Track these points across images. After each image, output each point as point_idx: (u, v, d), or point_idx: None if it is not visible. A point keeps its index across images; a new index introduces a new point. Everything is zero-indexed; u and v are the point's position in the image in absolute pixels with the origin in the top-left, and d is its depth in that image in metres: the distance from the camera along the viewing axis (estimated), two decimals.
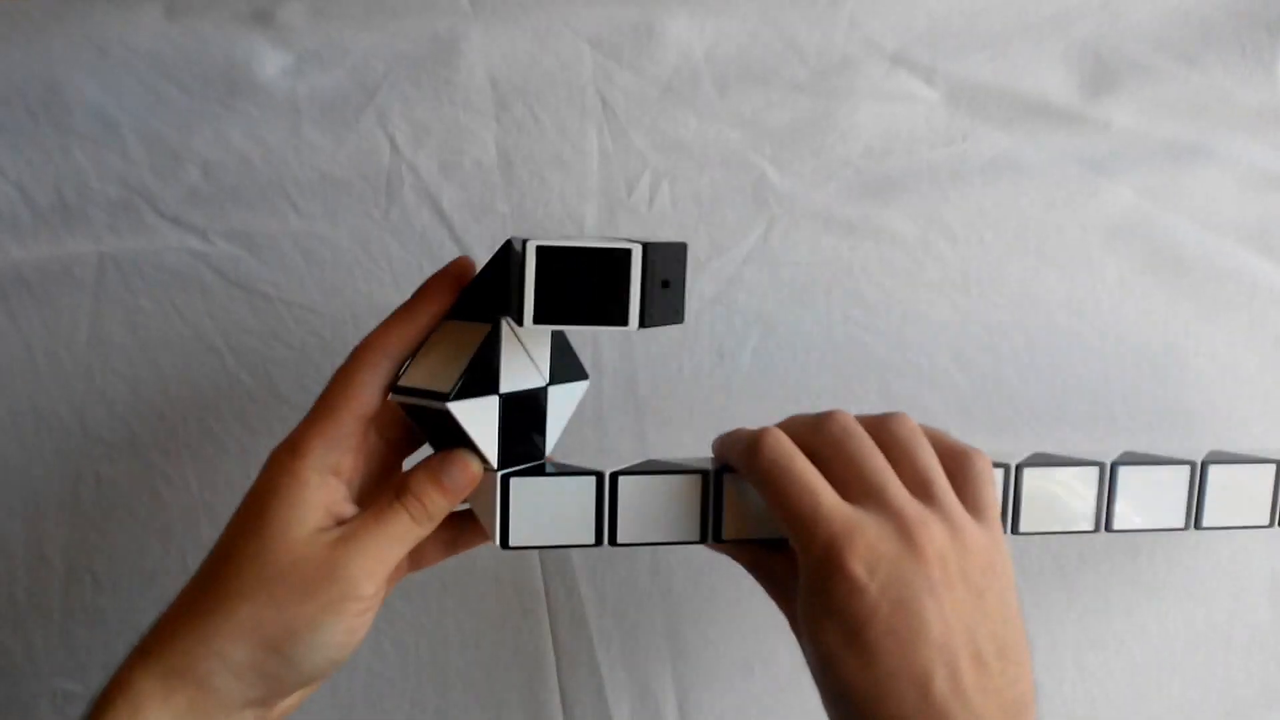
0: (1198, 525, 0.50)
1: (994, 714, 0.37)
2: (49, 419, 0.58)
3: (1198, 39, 0.61)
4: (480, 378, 0.41)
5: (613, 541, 0.45)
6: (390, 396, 0.41)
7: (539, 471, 0.45)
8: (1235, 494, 0.50)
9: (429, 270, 0.60)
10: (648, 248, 0.38)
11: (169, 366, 0.59)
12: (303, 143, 0.60)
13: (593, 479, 0.45)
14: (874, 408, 0.60)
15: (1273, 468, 0.50)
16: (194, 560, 0.57)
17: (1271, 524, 0.50)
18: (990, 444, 0.61)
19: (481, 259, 0.60)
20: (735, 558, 0.47)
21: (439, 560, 0.47)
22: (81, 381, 0.59)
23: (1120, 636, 0.60)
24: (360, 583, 0.38)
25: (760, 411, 0.60)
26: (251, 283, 0.59)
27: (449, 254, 0.60)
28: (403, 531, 0.40)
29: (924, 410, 0.61)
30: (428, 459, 0.42)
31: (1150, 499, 0.49)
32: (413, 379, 0.41)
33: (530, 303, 0.38)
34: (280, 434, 0.58)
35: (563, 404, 0.47)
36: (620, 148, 0.60)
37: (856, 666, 0.37)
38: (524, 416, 0.44)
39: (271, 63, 0.59)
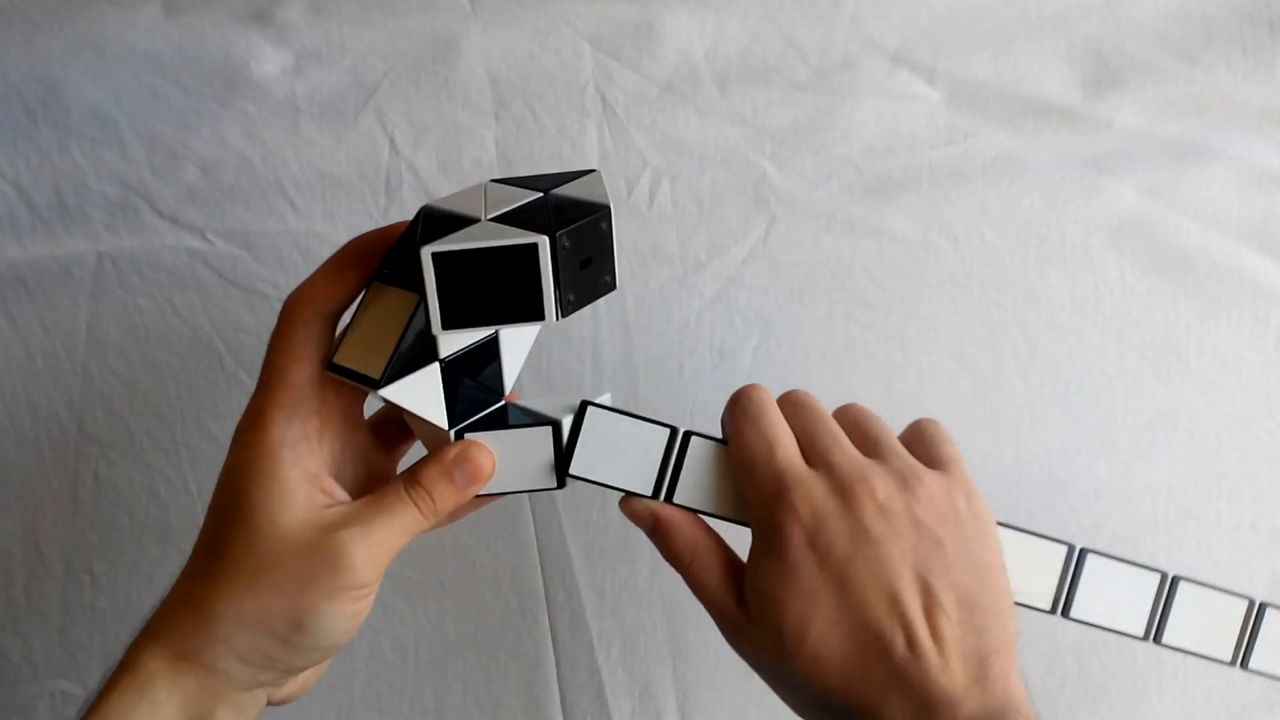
0: (1157, 640, 0.46)
1: (954, 662, 0.37)
2: (47, 419, 0.58)
3: (1199, 38, 0.61)
4: (414, 352, 0.40)
5: (562, 481, 0.44)
6: (325, 369, 0.40)
7: (499, 419, 0.43)
8: (1202, 619, 0.46)
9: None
10: (555, 238, 0.35)
11: (167, 366, 0.59)
12: (302, 141, 0.59)
13: (548, 428, 0.43)
14: (874, 408, 0.60)
15: (1244, 604, 0.47)
16: None
17: (1234, 664, 0.47)
18: (991, 444, 0.61)
19: None
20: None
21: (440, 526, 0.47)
22: (79, 381, 0.58)
23: (1121, 638, 0.60)
24: (363, 571, 0.38)
25: None
26: (250, 282, 0.59)
27: None
28: (410, 524, 0.40)
29: (924, 410, 0.60)
30: (441, 452, 0.41)
31: (1113, 597, 0.46)
32: (345, 357, 0.39)
33: (436, 311, 0.36)
34: None
35: (517, 342, 0.45)
36: (620, 147, 0.60)
37: (799, 619, 0.37)
38: (474, 369, 0.43)
39: (270, 61, 0.59)
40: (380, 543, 0.39)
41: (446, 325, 0.37)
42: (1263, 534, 0.61)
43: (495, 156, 0.60)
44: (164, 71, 0.59)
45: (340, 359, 0.40)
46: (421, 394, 0.40)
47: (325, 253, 0.59)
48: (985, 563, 0.40)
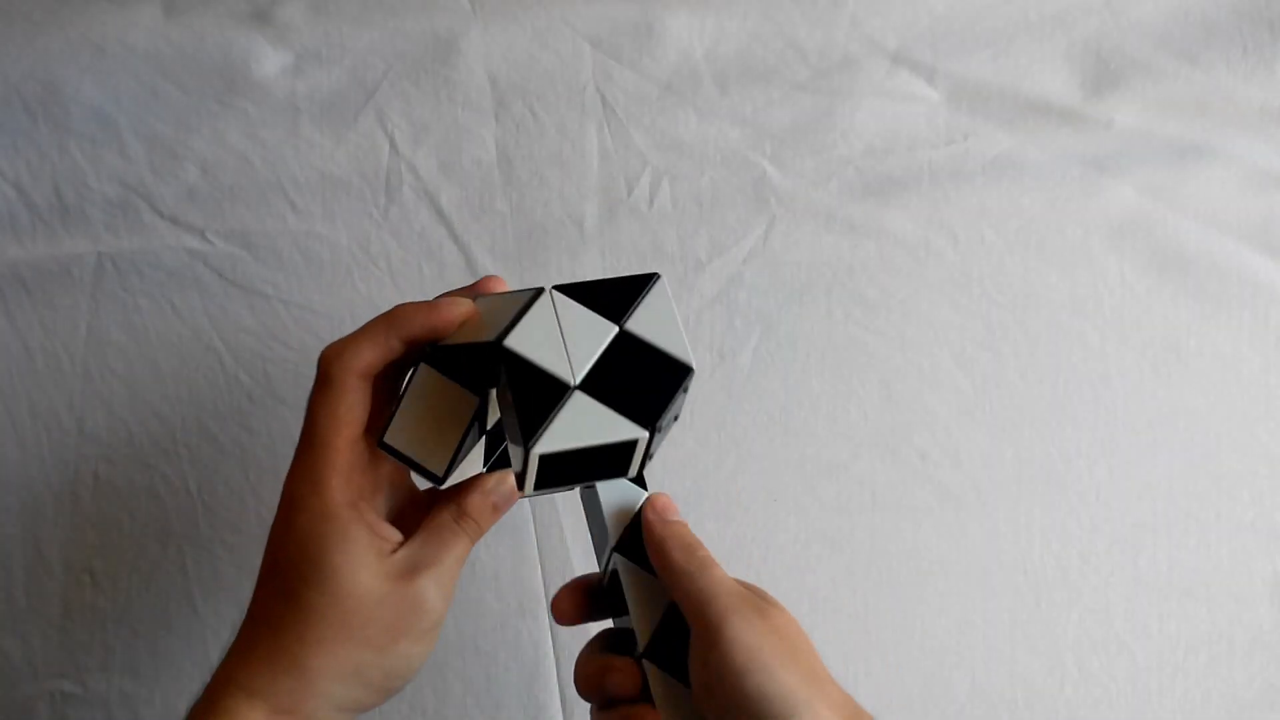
0: None
1: None
2: (47, 419, 0.58)
3: (1199, 37, 0.61)
4: (469, 442, 0.42)
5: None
6: (378, 446, 0.41)
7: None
8: None
9: (428, 270, 0.60)
10: (653, 431, 0.37)
11: (167, 366, 0.59)
12: (301, 142, 0.59)
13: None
14: (874, 408, 0.60)
15: None
16: (192, 560, 0.58)
17: None
18: (991, 444, 0.61)
19: (481, 257, 0.60)
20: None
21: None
22: (79, 381, 0.58)
23: (1121, 638, 0.60)
24: (440, 609, 0.41)
25: (760, 411, 0.60)
26: (250, 282, 0.59)
27: (448, 253, 0.60)
28: (464, 552, 0.42)
29: (925, 410, 0.60)
30: (480, 482, 0.43)
31: None
32: (399, 440, 0.41)
33: (531, 481, 0.38)
34: (279, 434, 0.58)
35: None
36: (620, 146, 0.60)
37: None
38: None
39: (270, 61, 0.59)
40: (448, 579, 0.41)
41: (537, 489, 0.39)
42: (1263, 534, 0.61)
43: (495, 157, 0.60)
44: (164, 71, 0.58)
45: (394, 441, 0.41)
46: (467, 463, 0.43)
47: (325, 252, 0.60)
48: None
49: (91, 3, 0.58)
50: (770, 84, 0.60)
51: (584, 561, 0.59)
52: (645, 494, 0.42)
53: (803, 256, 0.61)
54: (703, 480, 0.59)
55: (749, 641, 0.37)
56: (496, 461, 0.44)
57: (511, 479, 0.43)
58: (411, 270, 0.59)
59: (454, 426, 0.40)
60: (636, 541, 0.42)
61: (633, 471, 0.40)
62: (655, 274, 0.40)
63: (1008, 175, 0.61)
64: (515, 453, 0.38)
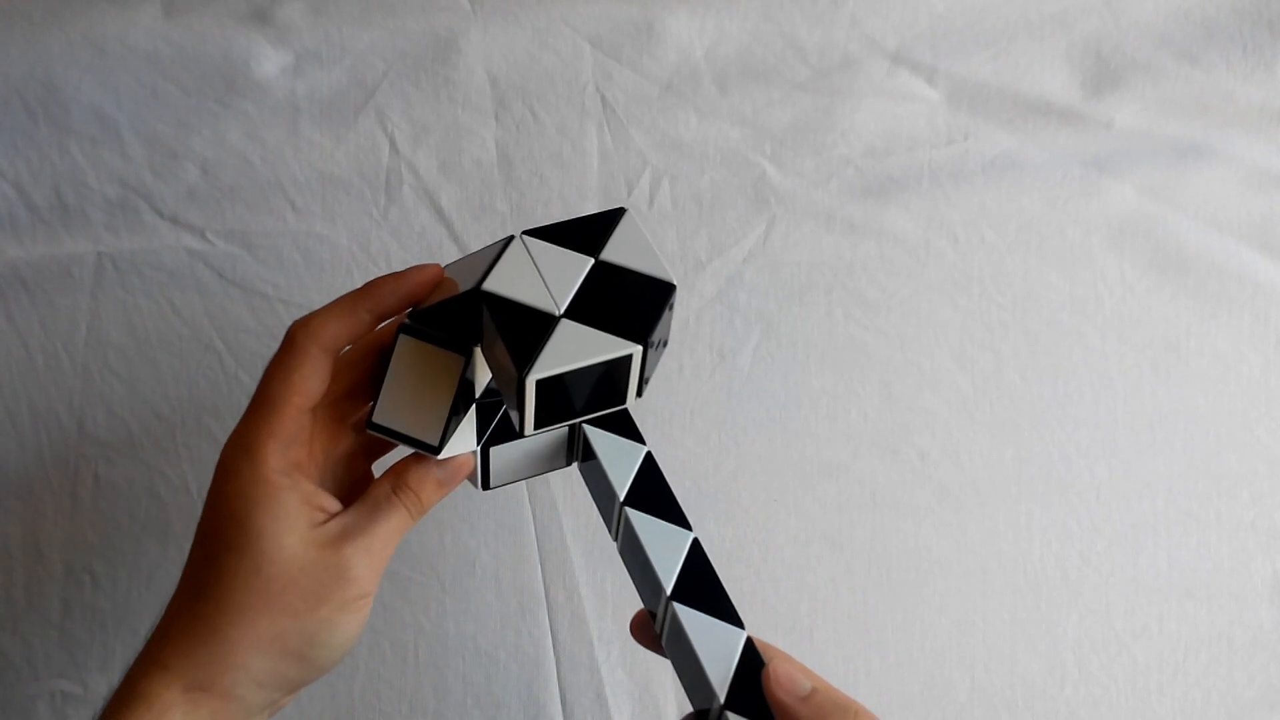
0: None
1: None
2: (47, 419, 0.58)
3: (1199, 37, 0.61)
4: (459, 407, 0.41)
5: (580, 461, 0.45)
6: (366, 429, 0.41)
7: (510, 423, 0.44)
8: None
9: None
10: (646, 345, 0.36)
11: (167, 366, 0.59)
12: (301, 141, 0.59)
13: (564, 428, 0.43)
14: (874, 408, 0.60)
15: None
16: None
17: None
18: (991, 444, 0.61)
19: None
20: None
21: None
22: (79, 381, 0.58)
23: (1121, 638, 0.59)
24: (367, 580, 0.39)
25: (760, 411, 0.60)
26: (250, 282, 0.59)
27: (448, 253, 0.60)
28: (400, 525, 0.41)
29: (924, 410, 0.60)
30: (421, 455, 0.42)
31: None
32: (390, 418, 0.40)
33: (530, 420, 0.37)
34: None
35: None
36: (620, 146, 0.60)
37: None
38: (494, 394, 0.44)
39: (270, 61, 0.59)
40: (380, 550, 0.40)
41: (537, 428, 0.38)
42: (1263, 534, 0.61)
43: (495, 157, 0.60)
44: (164, 71, 0.58)
45: (383, 419, 0.40)
46: (461, 435, 0.41)
47: (325, 252, 0.60)
48: None
49: (91, 3, 0.58)
50: (770, 84, 0.60)
51: (584, 561, 0.59)
52: (744, 634, 0.38)
53: (803, 256, 0.61)
54: (703, 480, 0.59)
55: None
56: (490, 438, 0.43)
57: (461, 457, 0.42)
58: None
59: (443, 392, 0.40)
60: (747, 694, 0.37)
61: (630, 398, 0.38)
62: (622, 209, 0.40)
63: (1008, 175, 0.61)
64: (509, 396, 0.37)
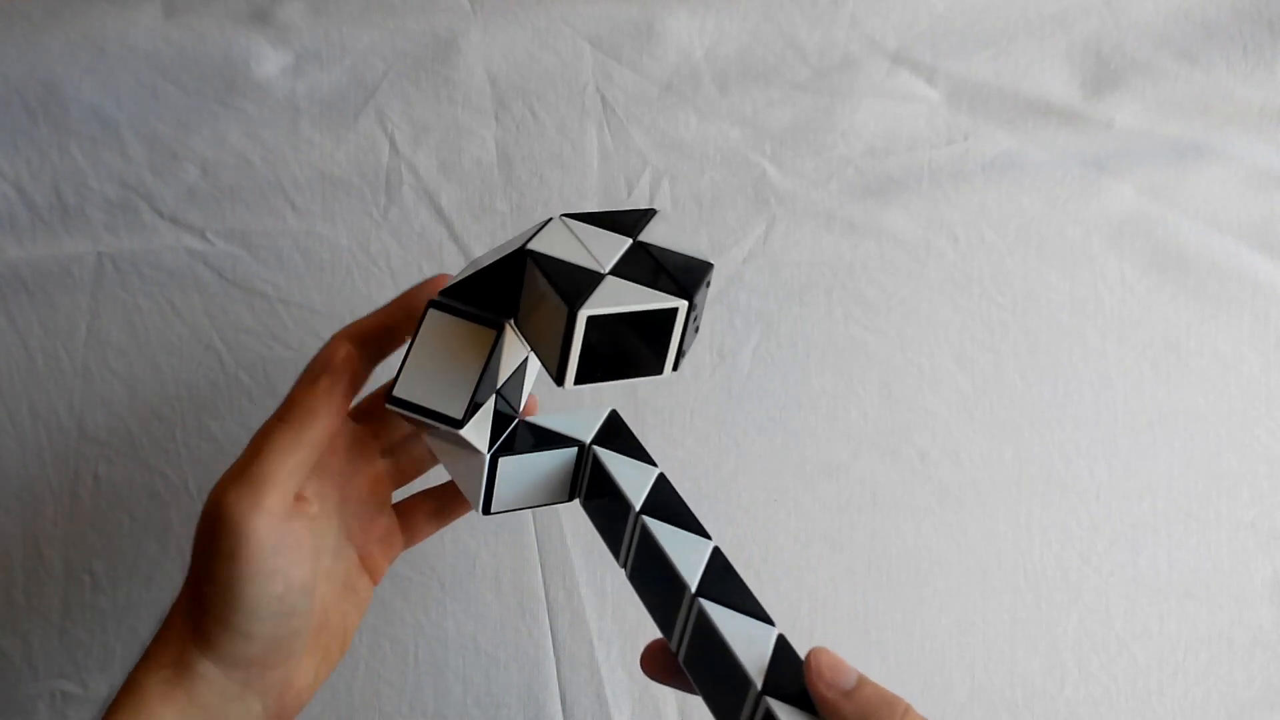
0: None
1: None
2: (47, 419, 0.58)
3: (1199, 37, 0.61)
4: (484, 387, 0.40)
5: (583, 498, 0.44)
6: (386, 405, 0.40)
7: (518, 439, 0.44)
8: None
9: (428, 270, 0.60)
10: (692, 302, 0.37)
11: (167, 366, 0.59)
12: (301, 141, 0.59)
13: (574, 449, 0.43)
14: (874, 408, 0.60)
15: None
16: None
17: None
18: (991, 444, 0.61)
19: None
20: None
21: (432, 532, 0.47)
22: (79, 381, 0.58)
23: (1121, 638, 0.59)
24: (246, 522, 0.37)
25: (760, 411, 0.60)
26: (250, 282, 0.59)
27: (448, 253, 0.60)
28: (283, 446, 0.39)
29: (925, 410, 0.60)
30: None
31: None
32: (413, 392, 0.39)
33: (573, 368, 0.36)
34: None
35: (535, 363, 0.46)
36: (620, 146, 0.60)
37: None
38: (512, 390, 0.44)
39: (270, 61, 0.59)
40: (255, 482, 0.37)
41: (578, 381, 0.37)
42: (1263, 534, 0.61)
43: (495, 157, 0.60)
44: (164, 71, 0.58)
45: (404, 393, 0.39)
46: (479, 421, 0.41)
47: (325, 252, 0.60)
48: None
49: (91, 3, 0.58)
50: (770, 84, 0.60)
51: (584, 561, 0.59)
52: (775, 630, 0.37)
53: (803, 256, 0.61)
54: (703, 480, 0.59)
55: None
56: (500, 449, 0.43)
57: (333, 344, 0.41)
58: (412, 270, 0.59)
59: (471, 365, 0.39)
60: (786, 682, 0.36)
61: (669, 364, 0.38)
62: (653, 209, 0.41)
63: (1008, 175, 0.61)
64: (552, 346, 0.36)
